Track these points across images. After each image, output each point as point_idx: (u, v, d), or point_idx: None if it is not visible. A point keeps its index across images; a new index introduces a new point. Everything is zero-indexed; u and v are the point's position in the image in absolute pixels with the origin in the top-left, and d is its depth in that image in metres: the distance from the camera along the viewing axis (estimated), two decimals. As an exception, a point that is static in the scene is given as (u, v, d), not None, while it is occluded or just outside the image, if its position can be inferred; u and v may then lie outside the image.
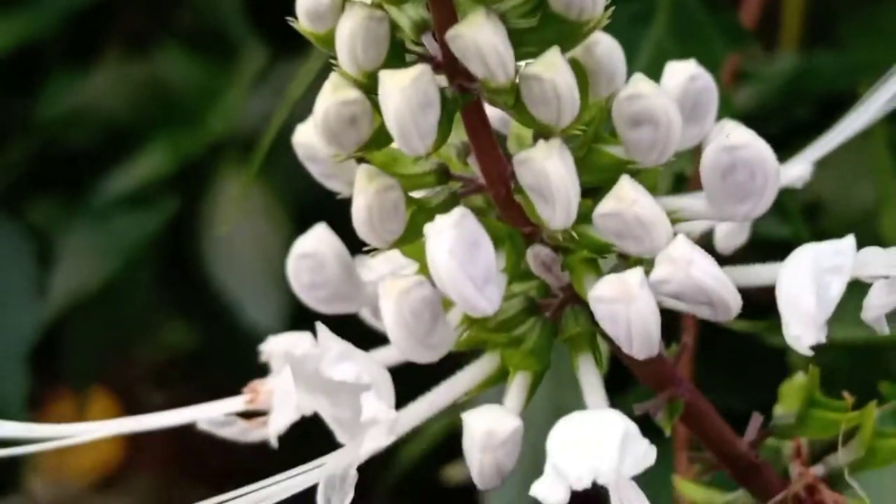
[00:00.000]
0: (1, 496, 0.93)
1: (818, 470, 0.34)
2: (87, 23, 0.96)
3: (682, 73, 0.31)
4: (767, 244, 0.54)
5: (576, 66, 0.29)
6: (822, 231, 0.62)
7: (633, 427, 0.25)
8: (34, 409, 0.92)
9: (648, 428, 0.28)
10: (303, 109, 0.32)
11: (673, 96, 0.30)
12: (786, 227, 0.48)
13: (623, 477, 0.24)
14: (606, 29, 0.44)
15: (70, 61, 0.92)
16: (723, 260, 0.34)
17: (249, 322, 0.81)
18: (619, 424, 0.25)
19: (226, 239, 0.83)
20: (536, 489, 0.24)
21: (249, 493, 0.28)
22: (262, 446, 0.33)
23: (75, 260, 0.83)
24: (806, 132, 0.65)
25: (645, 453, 0.24)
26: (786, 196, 0.38)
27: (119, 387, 1.10)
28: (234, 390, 0.34)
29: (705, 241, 0.33)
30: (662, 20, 0.45)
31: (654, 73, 0.45)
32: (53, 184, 0.92)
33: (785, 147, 0.64)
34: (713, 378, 0.55)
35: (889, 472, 0.36)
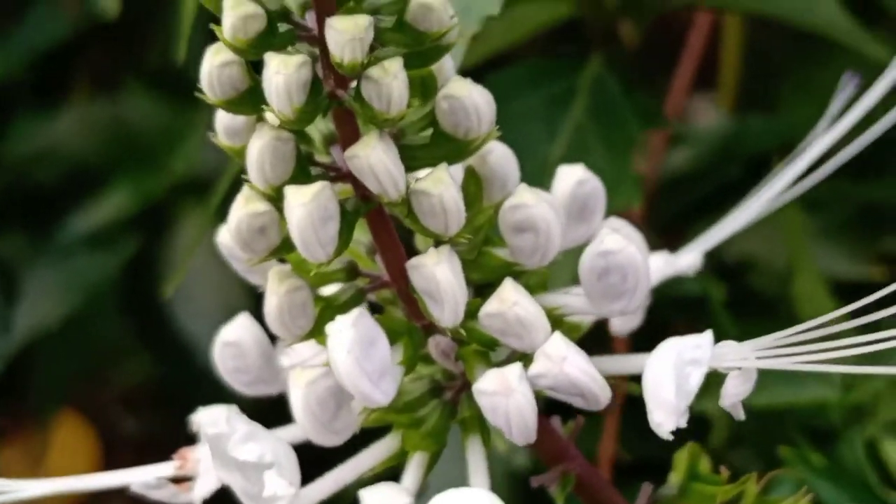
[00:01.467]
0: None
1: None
2: (54, 63, 0.99)
3: (571, 177, 0.34)
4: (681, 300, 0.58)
5: (470, 173, 0.32)
6: (754, 287, 0.66)
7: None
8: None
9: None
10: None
11: (562, 199, 0.33)
12: (698, 284, 0.52)
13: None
14: (529, 109, 0.47)
15: (37, 101, 0.95)
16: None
17: (206, 359, 0.83)
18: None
19: (184, 279, 0.86)
20: None
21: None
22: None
23: (39, 296, 0.85)
24: (737, 191, 0.69)
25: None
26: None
27: (91, 411, 1.13)
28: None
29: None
30: (582, 101, 0.48)
31: (574, 152, 0.48)
32: (19, 221, 0.95)
33: (717, 206, 0.67)
34: (635, 427, 0.59)
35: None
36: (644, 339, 0.48)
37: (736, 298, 0.61)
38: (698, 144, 0.66)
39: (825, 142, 0.39)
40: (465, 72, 0.31)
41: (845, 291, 0.61)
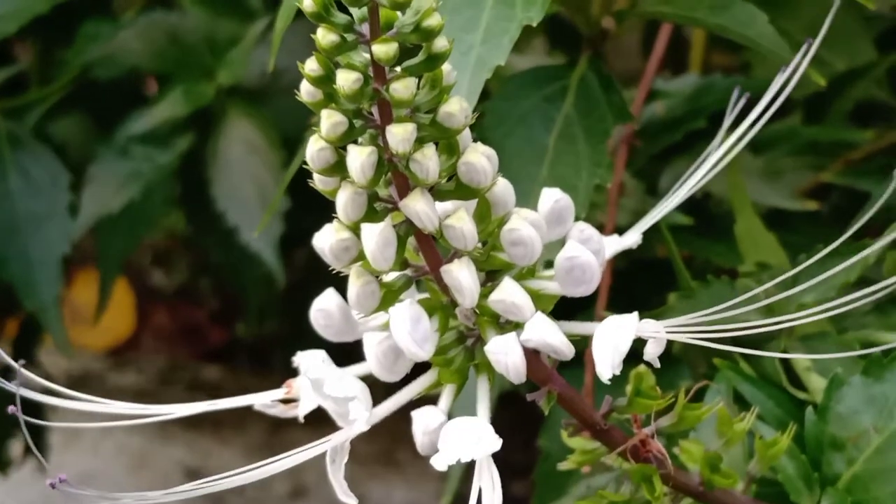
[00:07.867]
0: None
1: (649, 429, 0.53)
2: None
3: (552, 196, 0.49)
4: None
5: (482, 199, 0.48)
6: (713, 215, 0.81)
7: (488, 430, 0.44)
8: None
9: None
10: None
11: (544, 211, 0.49)
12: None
13: (481, 457, 0.44)
14: (532, 106, 0.62)
15: (99, 10, 1.07)
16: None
17: (245, 241, 0.98)
18: (481, 429, 0.44)
19: (227, 172, 1.00)
20: (433, 460, 0.44)
21: (278, 460, 0.47)
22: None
23: (101, 186, 1.00)
24: (703, 138, 0.84)
25: (492, 445, 0.44)
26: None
27: (125, 266, 1.30)
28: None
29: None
30: (571, 98, 0.63)
31: (564, 141, 0.63)
32: (84, 119, 1.10)
33: (687, 149, 0.82)
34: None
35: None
36: (621, 295, 0.64)
37: (700, 224, 0.76)
38: (671, 98, 0.80)
39: (720, 153, 0.53)
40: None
41: (784, 221, 0.77)
